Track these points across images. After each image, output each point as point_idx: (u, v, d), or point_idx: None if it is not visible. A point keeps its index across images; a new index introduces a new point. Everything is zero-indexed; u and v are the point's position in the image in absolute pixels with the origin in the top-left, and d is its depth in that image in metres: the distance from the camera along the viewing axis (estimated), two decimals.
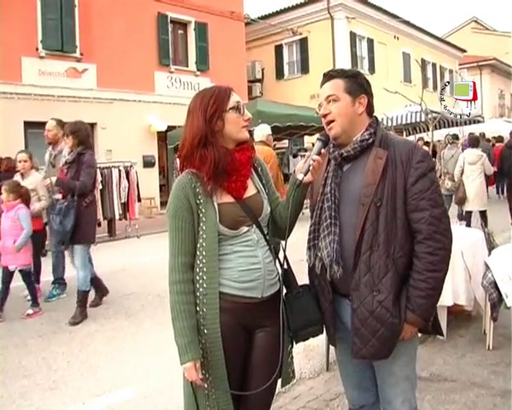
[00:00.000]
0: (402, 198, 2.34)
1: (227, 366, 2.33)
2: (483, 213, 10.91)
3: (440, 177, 12.11)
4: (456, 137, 13.33)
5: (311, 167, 2.40)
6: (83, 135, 6.86)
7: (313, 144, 2.58)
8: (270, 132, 7.96)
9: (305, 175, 2.40)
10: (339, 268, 2.36)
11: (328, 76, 2.50)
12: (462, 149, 12.33)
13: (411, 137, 17.33)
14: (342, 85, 2.44)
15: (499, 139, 20.71)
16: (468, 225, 10.45)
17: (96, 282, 7.36)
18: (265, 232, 2.47)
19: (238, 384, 2.41)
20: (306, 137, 21.10)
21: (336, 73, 2.50)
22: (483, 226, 6.47)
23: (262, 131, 7.75)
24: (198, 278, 2.34)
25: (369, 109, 2.52)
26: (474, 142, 11.55)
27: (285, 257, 2.49)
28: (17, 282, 9.12)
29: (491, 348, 4.91)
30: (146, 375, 4.93)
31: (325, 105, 2.47)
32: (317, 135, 2.58)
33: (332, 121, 2.44)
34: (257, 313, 2.40)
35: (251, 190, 2.45)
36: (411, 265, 2.37)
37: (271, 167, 6.31)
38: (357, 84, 2.47)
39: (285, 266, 2.52)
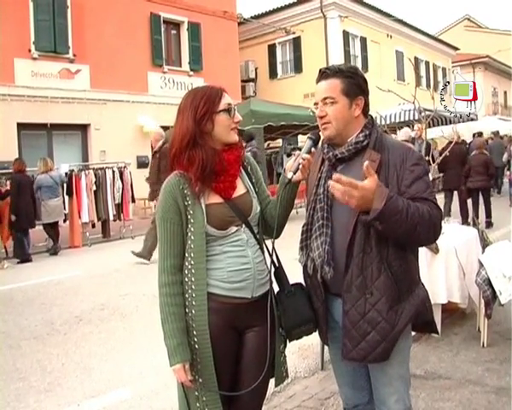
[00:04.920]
0: None
1: (217, 367, 2.32)
2: None
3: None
4: None
5: (300, 166, 2.39)
6: None
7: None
8: (411, 132, 10.52)
9: (295, 174, 2.40)
10: (330, 269, 2.34)
11: (325, 74, 2.44)
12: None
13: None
14: (339, 86, 2.39)
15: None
16: None
17: None
18: (255, 232, 2.46)
19: (229, 385, 2.40)
20: (300, 137, 21.08)
21: (333, 71, 2.42)
22: (477, 224, 6.49)
23: (406, 133, 10.50)
24: (187, 279, 2.34)
25: (365, 109, 2.48)
26: None
27: (276, 255, 2.49)
28: (12, 284, 9.14)
29: (485, 345, 4.91)
30: (141, 376, 4.92)
31: (321, 106, 2.43)
32: (309, 134, 2.56)
33: (327, 123, 2.41)
34: (247, 313, 2.39)
35: (240, 190, 2.44)
36: (405, 269, 2.37)
37: None
38: (355, 85, 2.42)
39: (276, 265, 2.52)
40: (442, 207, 11.48)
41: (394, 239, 2.30)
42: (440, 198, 10.52)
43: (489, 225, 12.00)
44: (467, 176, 12.38)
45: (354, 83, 2.42)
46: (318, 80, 2.47)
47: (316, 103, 2.48)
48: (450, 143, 11.68)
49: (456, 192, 12.58)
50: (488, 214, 12.43)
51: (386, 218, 2.15)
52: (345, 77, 2.41)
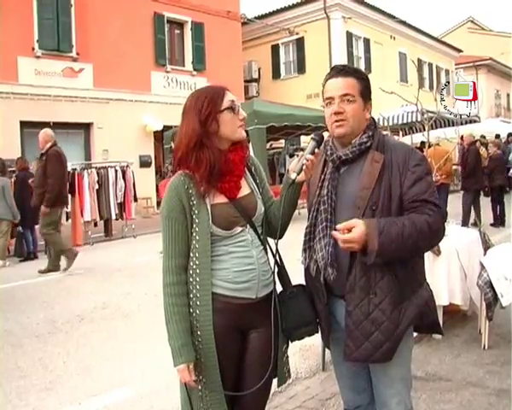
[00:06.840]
0: (397, 202, 2.33)
1: (221, 367, 2.32)
2: None
3: None
4: None
5: (304, 166, 2.38)
6: None
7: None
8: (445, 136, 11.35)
9: (298, 174, 2.38)
10: (333, 271, 2.35)
11: (343, 71, 2.43)
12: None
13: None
14: (358, 87, 2.40)
15: None
16: None
17: None
18: (259, 232, 2.46)
19: (232, 385, 2.40)
20: (303, 137, 21.12)
21: (352, 71, 2.44)
22: (478, 226, 6.50)
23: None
24: (191, 279, 2.34)
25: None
26: None
27: (279, 256, 2.49)
28: (14, 282, 9.15)
29: (486, 347, 4.91)
30: (142, 375, 4.92)
31: (339, 102, 2.39)
32: (312, 135, 2.56)
33: (344, 120, 2.40)
34: (251, 313, 2.39)
35: (244, 190, 2.43)
36: (408, 269, 2.38)
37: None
38: (368, 90, 2.46)
39: (279, 266, 2.52)
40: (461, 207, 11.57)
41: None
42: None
43: (502, 223, 12.00)
44: (490, 174, 12.38)
45: (367, 86, 2.46)
46: (334, 76, 2.44)
47: (329, 98, 2.43)
48: (472, 144, 11.78)
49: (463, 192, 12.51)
50: (502, 213, 12.42)
51: (384, 252, 2.19)
52: (361, 79, 2.44)
